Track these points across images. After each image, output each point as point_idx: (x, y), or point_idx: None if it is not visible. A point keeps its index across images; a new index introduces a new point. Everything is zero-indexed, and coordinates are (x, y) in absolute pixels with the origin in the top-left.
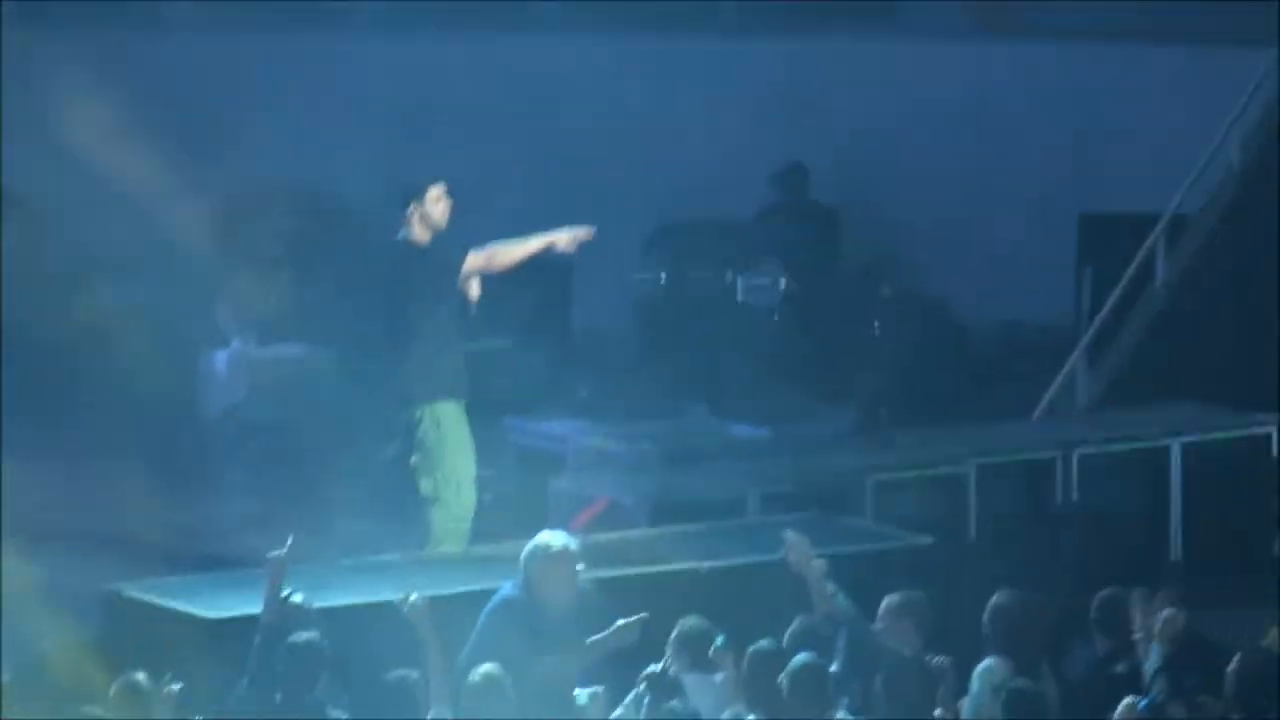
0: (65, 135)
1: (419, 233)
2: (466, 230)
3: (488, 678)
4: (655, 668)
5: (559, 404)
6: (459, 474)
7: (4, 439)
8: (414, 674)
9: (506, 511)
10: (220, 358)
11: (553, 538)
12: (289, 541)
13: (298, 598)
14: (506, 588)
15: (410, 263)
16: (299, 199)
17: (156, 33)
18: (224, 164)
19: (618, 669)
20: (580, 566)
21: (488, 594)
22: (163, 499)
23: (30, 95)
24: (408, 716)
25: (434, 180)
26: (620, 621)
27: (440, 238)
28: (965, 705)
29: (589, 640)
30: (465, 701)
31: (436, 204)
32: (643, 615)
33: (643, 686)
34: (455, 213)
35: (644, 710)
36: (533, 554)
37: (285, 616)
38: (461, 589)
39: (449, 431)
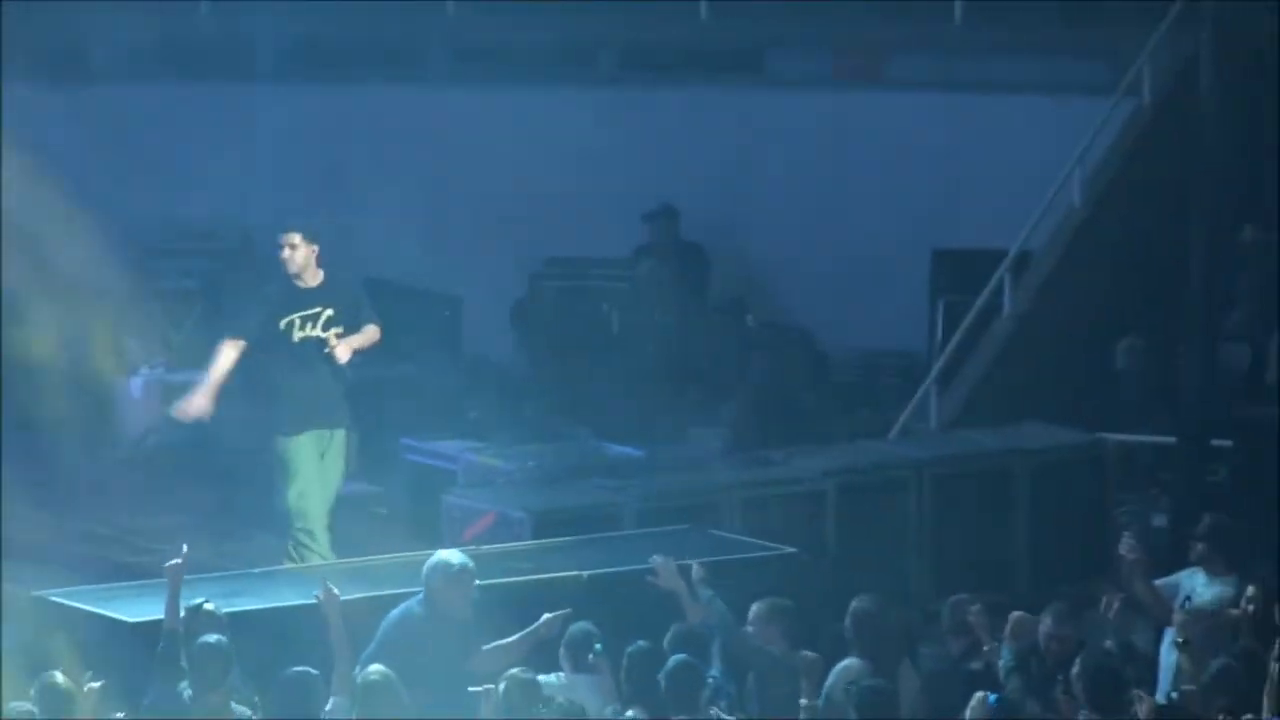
0: None
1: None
2: (371, 266)
3: (383, 675)
4: (516, 671)
5: (451, 426)
6: (301, 500)
7: None
8: (314, 671)
9: (402, 524)
10: (135, 384)
11: (452, 555)
12: (184, 551)
13: (209, 605)
14: (409, 603)
15: (263, 301)
16: (211, 238)
17: (82, 79)
18: (142, 203)
19: None
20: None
21: (387, 599)
22: (86, 514)
23: None
24: (308, 712)
25: (283, 229)
26: (546, 615)
27: (286, 280)
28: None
29: (512, 638)
30: (361, 699)
31: (282, 251)
32: (566, 611)
33: (503, 685)
34: (363, 249)
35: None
36: (434, 570)
37: (195, 620)
38: (362, 594)
39: (299, 457)
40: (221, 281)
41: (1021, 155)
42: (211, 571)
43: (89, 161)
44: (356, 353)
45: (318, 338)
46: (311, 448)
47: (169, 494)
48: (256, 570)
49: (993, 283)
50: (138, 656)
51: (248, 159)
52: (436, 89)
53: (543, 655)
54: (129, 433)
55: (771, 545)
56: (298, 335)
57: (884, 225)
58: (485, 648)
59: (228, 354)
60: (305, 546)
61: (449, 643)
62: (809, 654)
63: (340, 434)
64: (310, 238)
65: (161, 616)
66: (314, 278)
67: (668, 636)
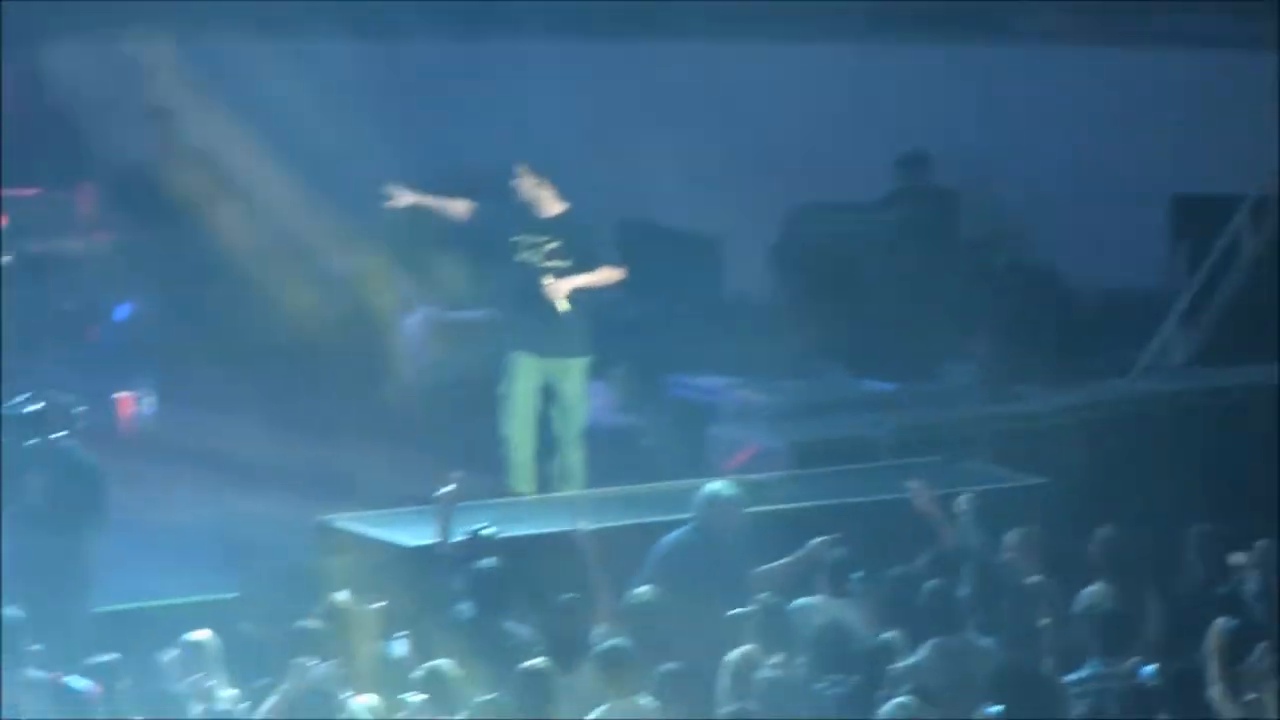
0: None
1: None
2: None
3: (656, 595)
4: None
5: (714, 362)
6: (505, 424)
7: (236, 392)
8: (577, 596)
9: (668, 454)
10: (411, 322)
11: (722, 486)
12: (457, 480)
13: (488, 529)
14: (680, 531)
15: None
16: (485, 182)
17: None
18: (426, 150)
19: None
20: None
21: (654, 526)
22: (371, 443)
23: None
24: (578, 633)
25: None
26: (812, 541)
27: (522, 209)
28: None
29: (783, 560)
30: (634, 619)
31: (519, 180)
32: (832, 537)
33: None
34: (634, 193)
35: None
36: (705, 499)
37: (475, 545)
38: (630, 521)
39: (515, 381)
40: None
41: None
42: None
43: (378, 110)
44: (579, 291)
45: (538, 266)
46: (524, 372)
47: (445, 426)
48: (527, 498)
49: (1232, 226)
50: (416, 579)
51: (525, 109)
52: (698, 44)
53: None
54: (408, 369)
55: (1020, 476)
56: (520, 256)
57: (1126, 171)
58: (754, 571)
59: (459, 205)
60: (510, 471)
61: (720, 568)
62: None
63: (572, 363)
64: (534, 170)
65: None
66: (549, 209)
67: (922, 560)
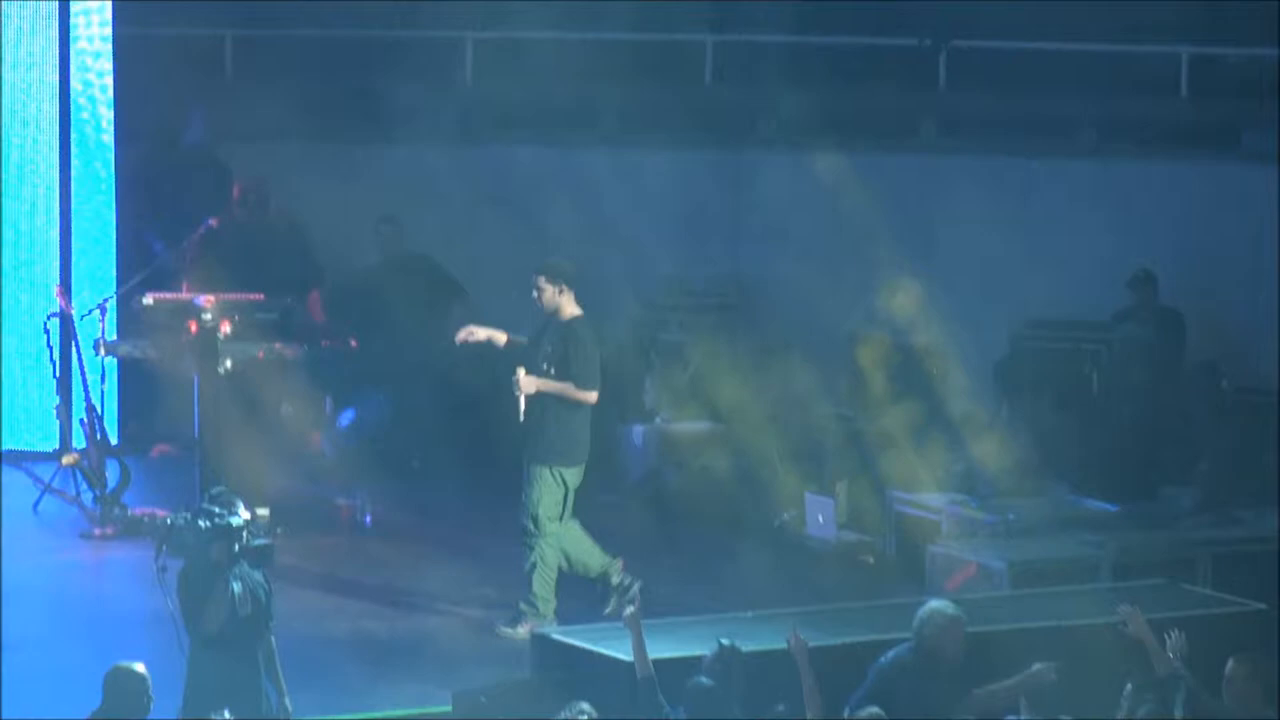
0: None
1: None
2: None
3: (876, 717)
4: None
5: (935, 479)
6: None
7: (456, 499)
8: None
9: (889, 572)
10: (637, 431)
11: (945, 605)
12: (637, 599)
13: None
14: (900, 649)
15: None
16: (709, 294)
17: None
18: (652, 260)
19: None
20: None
21: (871, 645)
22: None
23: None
24: None
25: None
26: (1037, 665)
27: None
28: None
29: (1004, 683)
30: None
31: (538, 292)
32: (1055, 663)
33: None
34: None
35: None
36: (927, 618)
37: (725, 657)
38: (847, 640)
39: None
40: (716, 334)
41: None
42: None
43: (603, 219)
44: (540, 393)
45: (535, 366)
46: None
47: (667, 536)
48: (748, 614)
49: None
50: (633, 693)
51: (750, 220)
52: (925, 157)
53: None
54: (630, 476)
55: (1242, 601)
56: (536, 359)
57: None
58: (975, 692)
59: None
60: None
61: (940, 688)
62: None
63: (531, 469)
64: (552, 278)
65: (657, 655)
66: (561, 314)
67: (1128, 688)
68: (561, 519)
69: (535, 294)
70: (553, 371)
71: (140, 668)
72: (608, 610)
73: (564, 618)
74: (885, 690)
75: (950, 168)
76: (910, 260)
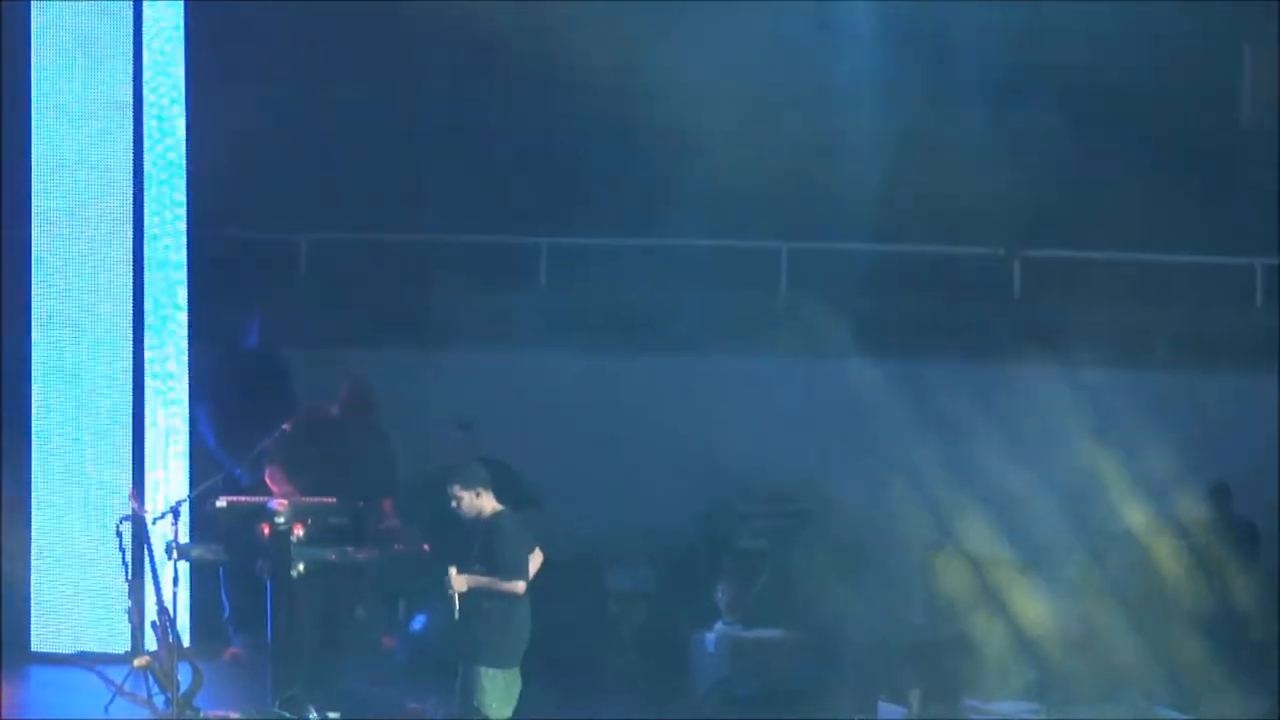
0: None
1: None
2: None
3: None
4: None
5: (1009, 686)
6: None
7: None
8: None
9: None
10: (709, 638)
11: None
12: None
13: None
14: None
15: None
16: (785, 500)
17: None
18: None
19: None
20: None
21: None
22: None
23: None
24: None
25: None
26: None
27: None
28: None
29: None
30: None
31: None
32: None
33: None
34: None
35: None
36: None
37: None
38: None
39: None
40: (789, 541)
41: None
42: None
43: (667, 425)
44: (474, 592)
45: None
46: None
47: None
48: None
49: None
50: None
51: (828, 426)
52: (1002, 365)
53: None
54: (699, 684)
55: None
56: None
57: None
58: None
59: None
60: None
61: None
62: None
63: (476, 671)
64: (466, 485)
65: None
66: (483, 514)
67: None
68: None
69: (454, 504)
70: (481, 570)
71: None
72: None
73: None
74: None
75: (1027, 375)
76: (989, 469)
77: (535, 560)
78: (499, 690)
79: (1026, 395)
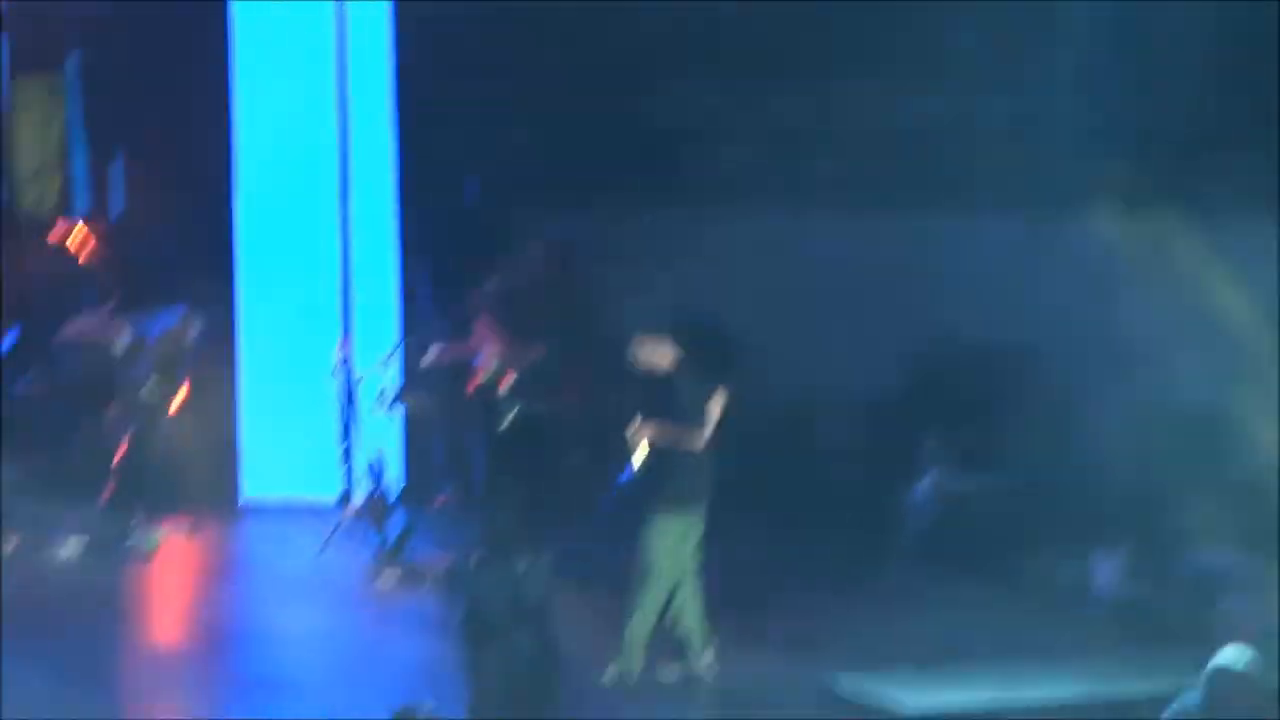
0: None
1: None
2: None
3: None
4: None
5: (1224, 536)
6: None
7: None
8: None
9: (1176, 626)
10: (920, 488)
11: (1234, 659)
12: None
13: None
14: (1185, 699)
15: None
16: (990, 352)
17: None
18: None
19: None
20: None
21: (1159, 698)
22: (868, 604)
23: None
24: None
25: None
26: None
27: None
28: None
29: None
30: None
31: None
32: None
33: None
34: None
35: None
36: (1214, 674)
37: None
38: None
39: None
40: (1004, 392)
41: None
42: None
43: (889, 280)
44: (655, 441)
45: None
46: None
47: (945, 589)
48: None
49: None
50: None
51: (1037, 282)
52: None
53: None
54: (909, 531)
55: None
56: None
57: None
58: None
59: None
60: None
61: None
62: None
63: (649, 517)
64: (646, 338)
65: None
66: (660, 367)
67: None
68: (676, 569)
69: (633, 357)
70: (662, 422)
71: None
72: (669, 671)
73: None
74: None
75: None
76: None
77: (716, 405)
78: (672, 537)
79: (1227, 249)
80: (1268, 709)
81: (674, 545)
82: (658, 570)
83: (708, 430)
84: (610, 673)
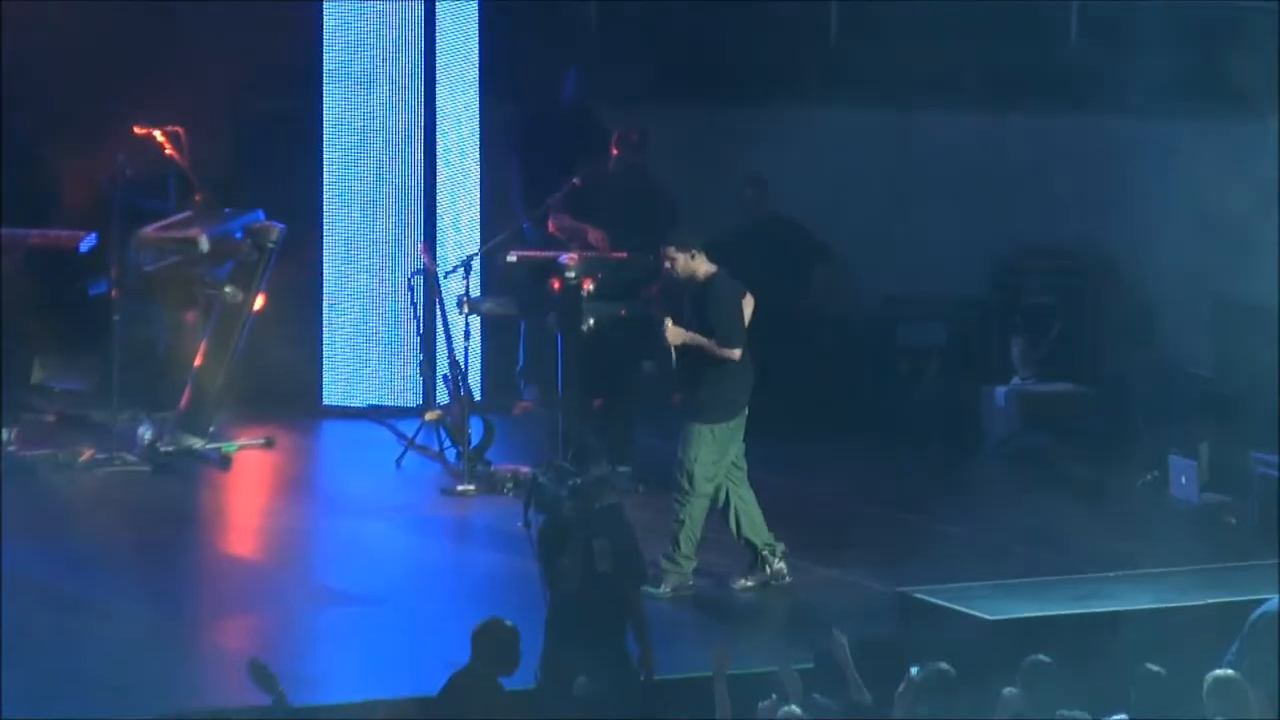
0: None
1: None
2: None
3: (1226, 680)
4: None
5: None
6: None
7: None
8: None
9: (1251, 533)
10: (1000, 392)
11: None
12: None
13: None
14: (1270, 603)
15: None
16: (1071, 257)
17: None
18: (1007, 228)
19: None
20: None
21: (1239, 605)
22: (946, 513)
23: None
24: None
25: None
26: None
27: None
28: None
29: None
30: (1207, 700)
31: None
32: None
33: None
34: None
35: None
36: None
37: None
38: (1214, 600)
39: None
40: (1078, 297)
41: None
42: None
43: (958, 183)
44: (691, 350)
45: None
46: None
47: (1029, 497)
48: (1112, 574)
49: None
50: (994, 653)
51: (1113, 186)
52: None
53: None
54: (991, 439)
55: None
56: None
57: None
58: None
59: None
60: None
61: None
62: None
63: (688, 427)
64: (681, 246)
65: (1018, 615)
66: (697, 276)
67: None
68: (720, 477)
69: (668, 265)
70: (696, 330)
71: (510, 623)
72: (740, 583)
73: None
74: (1259, 646)
75: None
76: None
77: (747, 307)
78: (709, 445)
79: None
80: None
81: (711, 455)
82: (697, 481)
83: (738, 339)
84: (663, 586)
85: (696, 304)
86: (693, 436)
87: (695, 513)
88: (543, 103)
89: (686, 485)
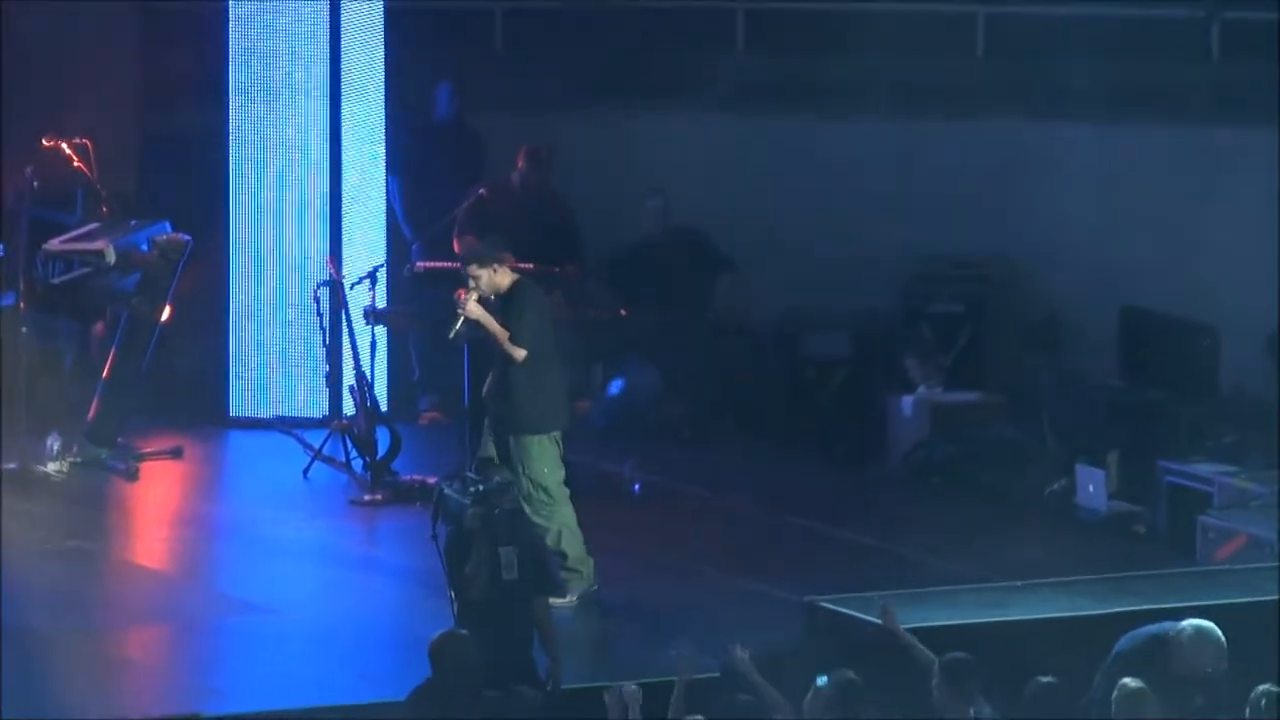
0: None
1: None
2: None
3: (1137, 690)
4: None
5: (1206, 450)
6: None
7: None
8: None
9: (1159, 542)
10: (907, 402)
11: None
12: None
13: None
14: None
15: None
16: (977, 266)
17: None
18: (916, 234)
19: None
20: None
21: (1144, 614)
22: (849, 527)
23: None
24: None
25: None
26: None
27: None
28: None
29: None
30: (1116, 709)
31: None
32: None
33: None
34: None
35: None
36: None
37: None
38: (1121, 609)
39: None
40: (985, 306)
41: None
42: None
43: (864, 192)
44: (513, 366)
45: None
46: None
47: (935, 506)
48: (1019, 583)
49: None
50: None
51: (1019, 193)
52: (1197, 130)
53: None
54: (896, 449)
55: None
56: None
57: None
58: None
59: None
60: None
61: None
62: None
63: (524, 441)
64: (482, 264)
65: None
66: (502, 288)
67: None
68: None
69: (473, 284)
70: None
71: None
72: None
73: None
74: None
75: (1223, 140)
76: (1183, 233)
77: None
78: (551, 452)
79: (1226, 160)
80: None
81: (556, 461)
82: (554, 489)
83: (528, 340)
84: (569, 595)
85: (503, 312)
86: (533, 450)
87: (566, 518)
88: (418, 119)
89: (545, 497)
